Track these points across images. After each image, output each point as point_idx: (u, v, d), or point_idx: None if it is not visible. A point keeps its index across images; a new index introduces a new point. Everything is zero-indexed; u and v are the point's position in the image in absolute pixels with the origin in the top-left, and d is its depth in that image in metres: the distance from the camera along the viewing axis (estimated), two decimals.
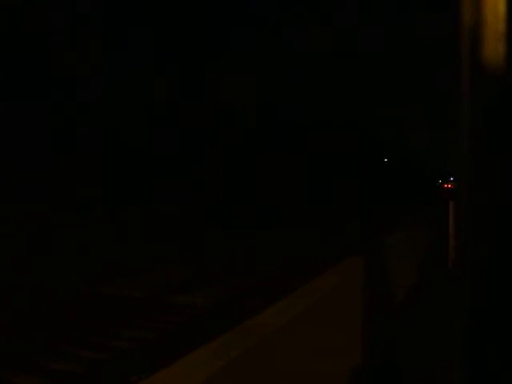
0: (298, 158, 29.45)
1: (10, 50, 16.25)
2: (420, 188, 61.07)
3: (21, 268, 10.75)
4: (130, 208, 17.15)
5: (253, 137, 26.08)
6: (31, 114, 16.55)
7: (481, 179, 0.76)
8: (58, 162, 16.97)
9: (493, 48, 0.73)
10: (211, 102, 23.37)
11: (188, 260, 12.39)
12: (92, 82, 18.13)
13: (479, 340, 0.76)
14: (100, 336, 6.50)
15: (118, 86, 19.20)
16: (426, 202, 47.41)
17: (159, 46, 21.31)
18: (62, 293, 8.76)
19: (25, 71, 16.76)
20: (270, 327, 4.84)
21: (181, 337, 6.38)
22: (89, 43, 18.12)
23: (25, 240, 12.78)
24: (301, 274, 10.36)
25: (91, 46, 18.18)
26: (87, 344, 6.20)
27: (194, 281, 9.70)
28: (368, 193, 36.78)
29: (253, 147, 25.80)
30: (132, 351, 5.90)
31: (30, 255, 12.00)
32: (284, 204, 25.15)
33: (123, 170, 19.32)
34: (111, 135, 19.01)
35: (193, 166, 22.09)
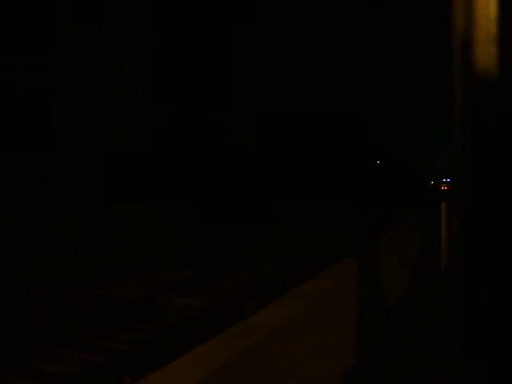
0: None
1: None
2: (412, 189, 61.21)
3: (17, 269, 10.70)
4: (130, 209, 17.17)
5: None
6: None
7: (473, 181, 0.76)
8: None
9: (484, 50, 0.74)
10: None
11: (186, 262, 12.36)
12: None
13: (472, 341, 0.76)
14: (95, 337, 6.47)
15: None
16: (419, 203, 47.53)
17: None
18: (59, 294, 8.71)
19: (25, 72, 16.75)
20: (265, 329, 4.84)
21: (176, 338, 6.37)
22: None
23: (23, 241, 12.74)
24: (296, 275, 10.36)
25: None
26: (82, 346, 6.17)
27: (190, 283, 9.68)
28: (360, 195, 36.84)
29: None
30: (127, 353, 5.88)
31: (28, 256, 11.94)
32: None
33: (125, 172, 19.38)
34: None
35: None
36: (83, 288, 9.14)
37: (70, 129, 18.18)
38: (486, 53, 0.74)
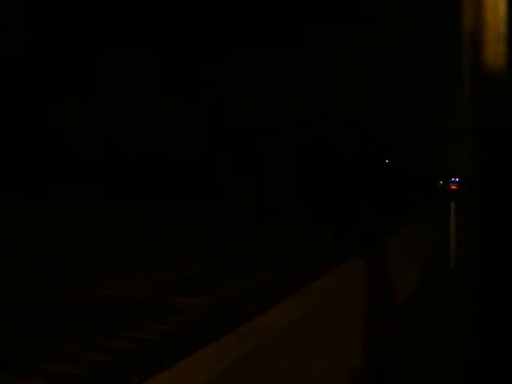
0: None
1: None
2: (421, 189, 61.00)
3: (21, 270, 10.74)
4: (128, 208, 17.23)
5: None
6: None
7: (481, 181, 0.76)
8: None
9: (493, 49, 0.73)
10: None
11: (190, 261, 12.37)
12: None
13: (482, 341, 0.76)
14: (102, 337, 6.49)
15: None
16: (428, 202, 47.40)
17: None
18: (63, 294, 8.74)
19: (28, 72, 16.83)
20: (272, 329, 4.83)
21: (183, 338, 6.37)
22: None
23: (25, 242, 12.79)
24: (302, 275, 10.34)
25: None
26: (89, 345, 6.18)
27: (196, 282, 9.69)
28: (368, 195, 36.72)
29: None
30: (134, 353, 5.89)
31: (31, 257, 11.99)
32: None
33: (123, 172, 19.43)
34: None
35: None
36: (90, 288, 9.16)
37: (69, 128, 18.26)
38: (495, 52, 0.73)
